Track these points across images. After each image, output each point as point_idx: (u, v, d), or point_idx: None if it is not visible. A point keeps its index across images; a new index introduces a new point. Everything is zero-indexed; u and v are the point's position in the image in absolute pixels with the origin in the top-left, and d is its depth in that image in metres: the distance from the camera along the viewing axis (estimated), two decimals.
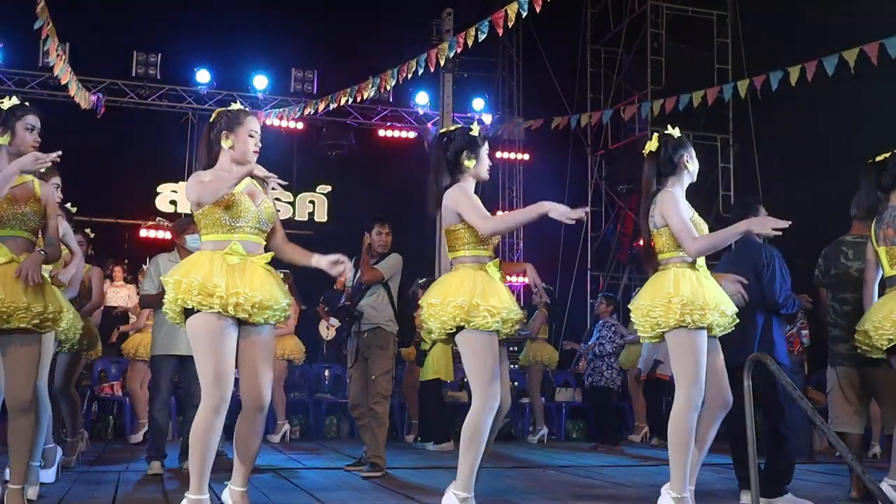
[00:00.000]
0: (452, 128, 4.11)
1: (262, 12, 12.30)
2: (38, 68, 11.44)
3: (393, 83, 9.87)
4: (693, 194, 4.25)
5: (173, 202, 12.48)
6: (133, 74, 12.06)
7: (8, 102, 3.74)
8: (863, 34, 8.38)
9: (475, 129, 4.04)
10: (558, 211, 3.70)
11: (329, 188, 13.07)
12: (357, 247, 6.19)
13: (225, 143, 3.66)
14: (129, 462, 6.40)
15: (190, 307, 3.44)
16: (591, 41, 14.04)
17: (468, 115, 13.42)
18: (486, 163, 4.05)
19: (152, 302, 5.84)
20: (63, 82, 9.51)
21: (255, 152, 3.71)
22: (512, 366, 10.88)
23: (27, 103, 3.86)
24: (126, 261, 8.86)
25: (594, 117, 12.08)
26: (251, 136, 3.69)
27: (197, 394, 5.73)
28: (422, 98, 13.05)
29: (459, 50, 9.06)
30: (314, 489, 4.97)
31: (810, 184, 11.03)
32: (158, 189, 12.32)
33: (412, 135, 13.33)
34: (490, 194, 13.63)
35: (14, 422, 3.64)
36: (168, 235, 12.12)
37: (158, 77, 12.20)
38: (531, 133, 13.19)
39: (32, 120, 3.76)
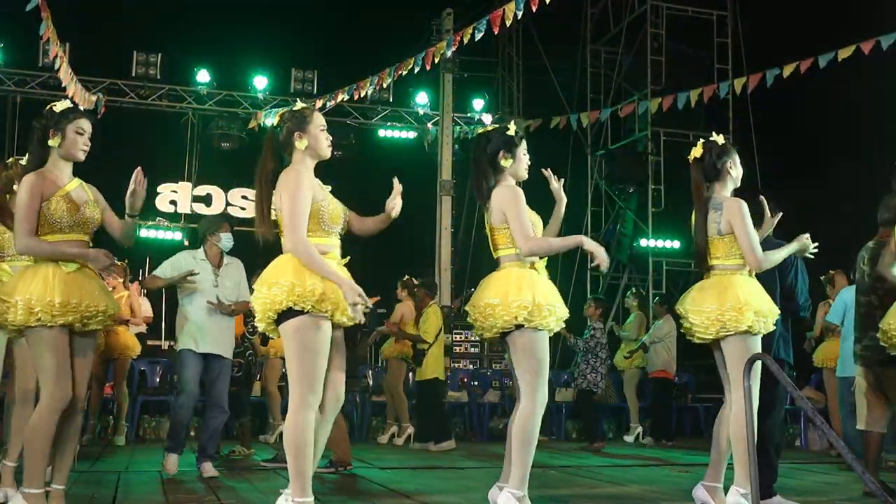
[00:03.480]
0: (490, 128, 4.11)
1: (262, 12, 12.31)
2: (38, 68, 11.45)
3: (389, 81, 9.87)
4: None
5: (173, 202, 12.49)
6: (133, 74, 12.05)
7: (60, 105, 3.76)
8: (862, 33, 8.40)
9: (512, 129, 4.05)
10: (593, 246, 3.91)
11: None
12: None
13: (300, 144, 3.63)
14: (129, 462, 6.41)
15: (300, 310, 3.39)
16: (591, 41, 14.04)
17: (468, 115, 13.42)
18: (523, 162, 4.05)
19: (155, 287, 5.92)
20: (64, 84, 9.51)
21: (328, 146, 3.71)
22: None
23: (80, 107, 3.90)
24: (126, 261, 8.85)
25: (593, 116, 12.09)
26: (322, 129, 3.69)
27: (223, 395, 5.75)
28: (422, 98, 13.05)
29: (455, 48, 9.07)
30: (314, 489, 4.96)
31: (810, 183, 11.03)
32: (158, 189, 12.33)
33: (412, 135, 13.33)
34: None
35: (71, 420, 3.65)
36: (168, 235, 12.17)
37: (158, 77, 12.19)
38: (531, 133, 13.19)
39: (83, 124, 3.76)
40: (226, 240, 5.86)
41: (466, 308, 4.02)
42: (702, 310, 4.01)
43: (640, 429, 9.37)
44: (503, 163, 3.97)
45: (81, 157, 3.77)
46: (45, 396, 3.55)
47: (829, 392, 8.18)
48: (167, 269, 5.80)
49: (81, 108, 3.92)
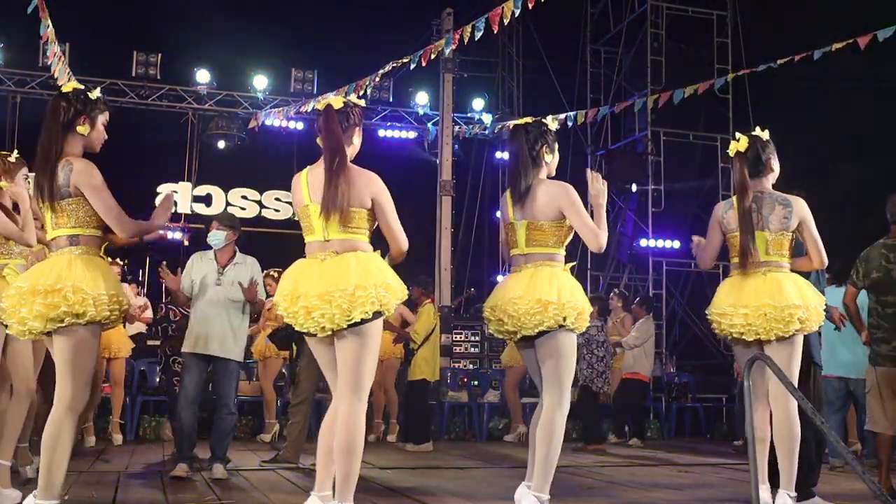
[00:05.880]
0: (528, 119, 4.02)
1: (262, 12, 12.32)
2: (38, 68, 11.45)
3: (382, 72, 9.86)
4: (695, 194, 4.26)
5: (173, 202, 12.48)
6: (133, 74, 12.05)
7: (94, 94, 3.67)
8: (861, 32, 8.41)
9: (551, 122, 4.00)
10: (601, 195, 3.91)
11: None
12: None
13: (357, 140, 3.59)
14: (129, 462, 6.40)
15: (381, 312, 3.35)
16: (591, 41, 14.04)
17: (468, 115, 13.43)
18: (557, 157, 4.03)
19: (182, 301, 5.85)
20: (60, 83, 9.51)
21: None
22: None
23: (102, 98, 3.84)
24: (126, 261, 8.86)
25: (590, 115, 12.09)
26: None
27: (228, 396, 5.67)
28: (422, 98, 13.06)
29: (454, 47, 9.06)
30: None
31: (810, 184, 11.02)
32: (158, 189, 12.33)
33: (412, 135, 13.34)
34: (490, 194, 13.65)
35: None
36: (168, 235, 12.16)
37: (158, 77, 12.19)
38: None
39: (107, 116, 3.72)
40: (210, 237, 5.77)
41: (493, 306, 3.87)
42: (783, 305, 3.89)
43: (626, 428, 9.39)
44: (547, 157, 3.93)
45: (98, 150, 3.71)
46: (69, 398, 3.37)
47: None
48: (186, 280, 5.74)
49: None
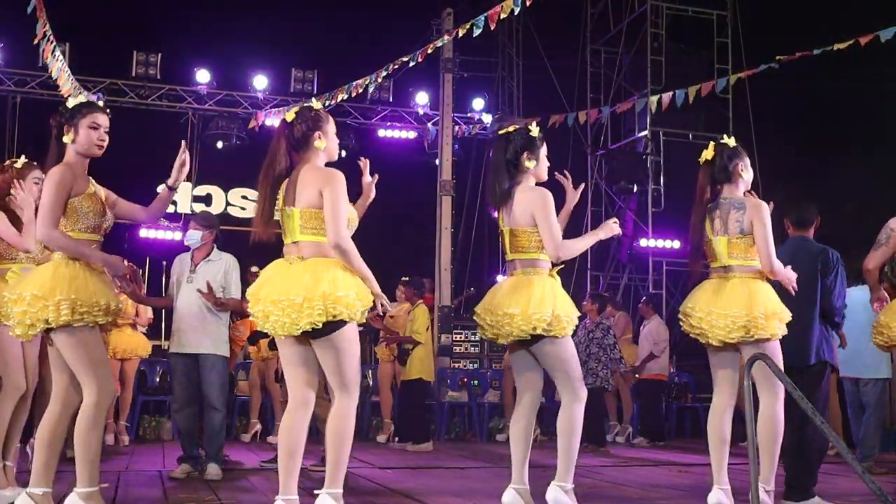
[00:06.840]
0: (511, 128, 4.08)
1: (262, 12, 12.32)
2: (38, 68, 11.43)
3: (385, 73, 9.87)
4: (694, 195, 4.28)
5: (173, 202, 12.45)
6: (133, 74, 12.04)
7: (73, 101, 3.73)
8: (862, 32, 8.42)
9: (534, 130, 4.04)
10: (604, 234, 4.06)
11: None
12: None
13: (319, 144, 3.63)
14: (129, 462, 6.40)
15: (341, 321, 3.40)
16: (591, 41, 14.02)
17: (468, 115, 13.43)
18: (545, 164, 4.07)
19: (170, 303, 5.84)
20: (59, 83, 9.51)
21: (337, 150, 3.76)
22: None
23: (96, 100, 3.89)
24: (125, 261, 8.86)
25: (591, 115, 12.10)
26: (335, 132, 3.72)
27: (212, 393, 5.63)
28: (422, 98, 13.05)
29: (450, 38, 9.06)
30: (313, 489, 4.96)
31: (810, 183, 11.04)
32: (158, 189, 12.28)
33: (412, 135, 13.33)
34: None
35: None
36: (167, 236, 12.16)
37: (158, 77, 12.18)
38: None
39: (98, 118, 3.74)
40: (187, 237, 5.83)
41: (478, 310, 4.01)
42: (728, 313, 3.95)
43: (630, 429, 9.38)
44: (527, 164, 3.97)
45: (98, 152, 3.76)
46: (94, 392, 3.49)
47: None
48: (171, 279, 5.80)
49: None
